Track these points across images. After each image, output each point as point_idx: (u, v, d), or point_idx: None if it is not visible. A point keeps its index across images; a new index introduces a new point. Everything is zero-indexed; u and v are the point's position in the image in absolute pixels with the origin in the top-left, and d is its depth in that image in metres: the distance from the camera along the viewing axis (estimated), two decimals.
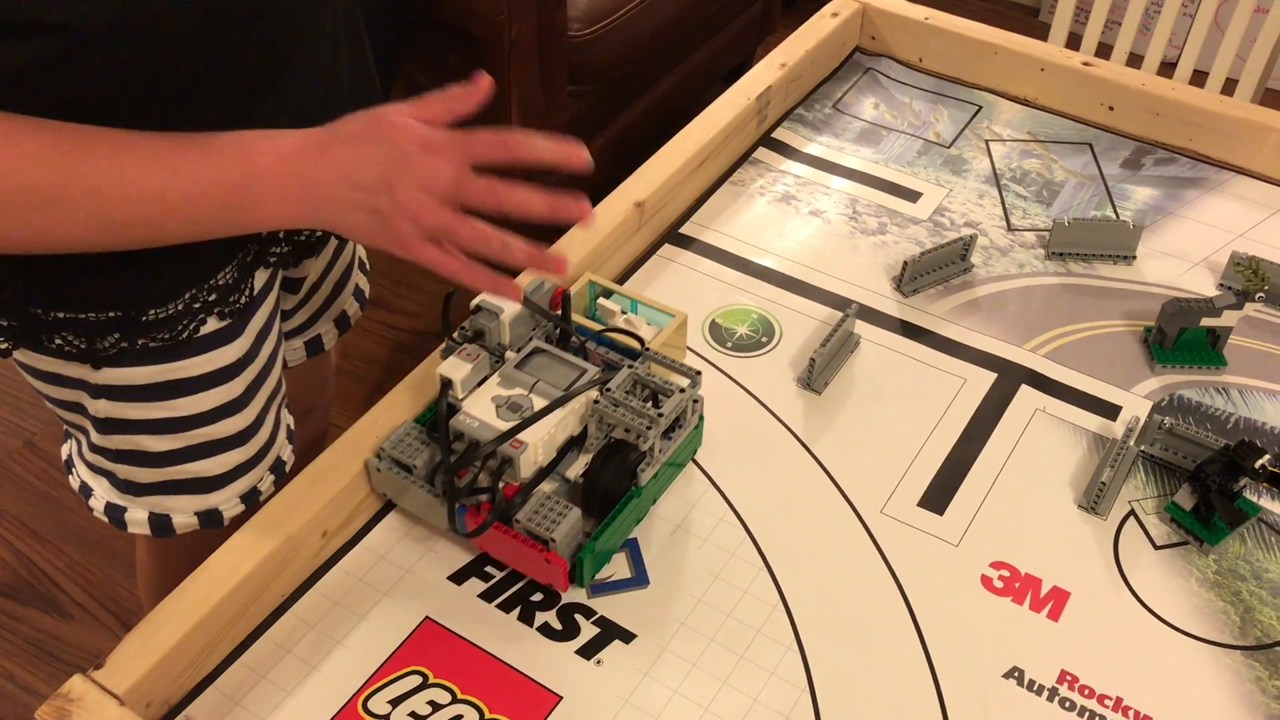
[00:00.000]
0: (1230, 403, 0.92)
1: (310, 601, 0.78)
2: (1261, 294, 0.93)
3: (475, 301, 0.83)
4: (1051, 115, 1.22)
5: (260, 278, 0.86)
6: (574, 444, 0.81)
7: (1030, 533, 0.83)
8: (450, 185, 0.65)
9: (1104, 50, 1.75)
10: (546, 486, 0.79)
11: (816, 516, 0.84)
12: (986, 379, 0.94)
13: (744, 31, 2.27)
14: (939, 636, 0.76)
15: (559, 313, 0.85)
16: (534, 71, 1.66)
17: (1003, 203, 1.11)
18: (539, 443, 0.76)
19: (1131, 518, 0.84)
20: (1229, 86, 1.70)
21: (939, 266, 1.03)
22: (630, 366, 0.81)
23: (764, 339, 0.98)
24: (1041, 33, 1.78)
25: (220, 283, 0.81)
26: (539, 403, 0.77)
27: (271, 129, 0.67)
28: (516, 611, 0.77)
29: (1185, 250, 1.06)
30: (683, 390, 0.80)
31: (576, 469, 0.80)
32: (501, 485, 0.76)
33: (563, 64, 1.72)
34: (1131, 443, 0.87)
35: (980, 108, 1.23)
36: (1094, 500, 0.84)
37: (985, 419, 0.91)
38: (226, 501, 0.92)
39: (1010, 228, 1.08)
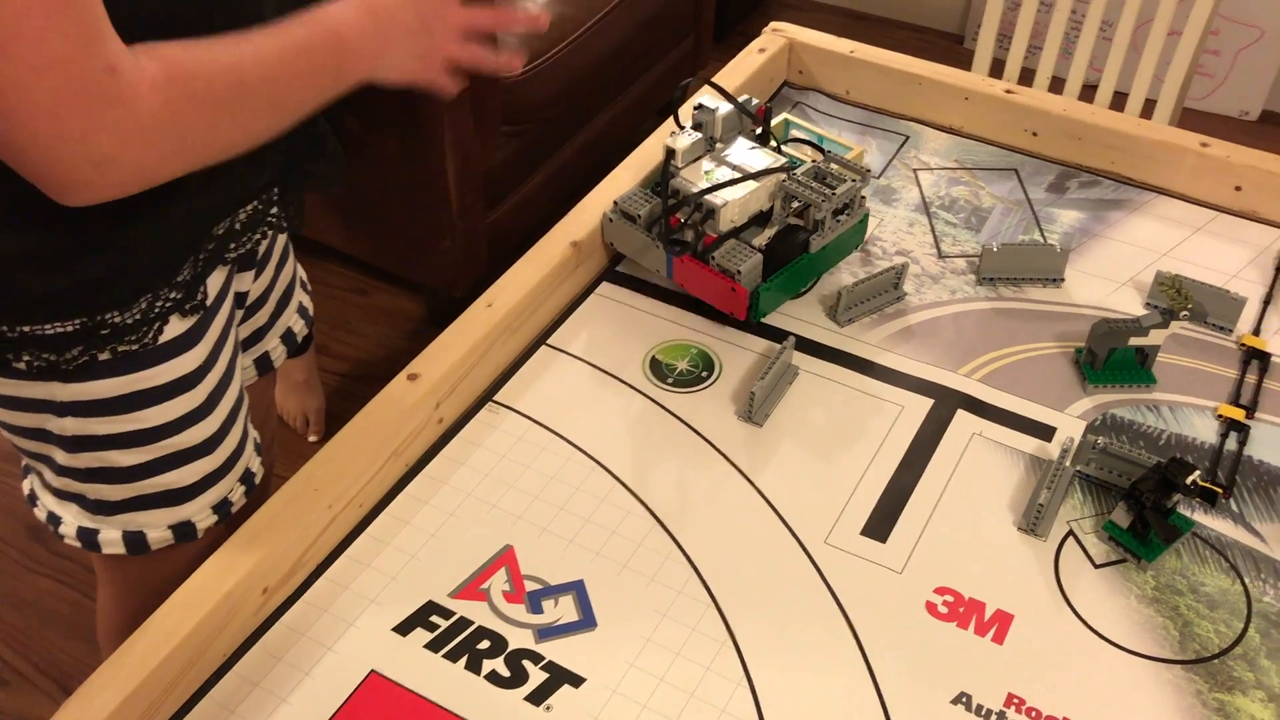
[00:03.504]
0: (1161, 419, 0.94)
1: (253, 659, 0.77)
2: (1186, 312, 0.95)
3: (697, 100, 1.03)
4: (977, 143, 1.25)
5: (215, 282, 0.87)
6: (762, 219, 1.00)
7: (972, 557, 0.84)
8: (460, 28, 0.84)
9: (1027, 75, 1.78)
10: (741, 244, 0.97)
11: (762, 550, 0.84)
12: (923, 405, 0.95)
13: (677, 66, 2.29)
14: (886, 665, 0.77)
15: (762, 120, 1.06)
16: (467, 114, 1.66)
17: (933, 230, 1.12)
18: (735, 202, 0.96)
19: (1071, 538, 0.85)
20: (1148, 107, 1.74)
21: (873, 295, 1.04)
22: (814, 162, 1.02)
23: (704, 374, 0.98)
24: (966, 59, 1.82)
25: (179, 280, 0.83)
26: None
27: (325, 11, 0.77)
28: (464, 660, 0.76)
29: (1112, 271, 1.08)
30: (854, 180, 0.99)
31: (762, 239, 0.99)
32: (699, 237, 0.98)
33: (496, 105, 1.72)
34: (1067, 463, 0.88)
35: (907, 138, 1.25)
36: (1033, 522, 0.85)
37: (924, 445, 0.92)
38: (199, 513, 0.93)
39: (941, 255, 1.10)
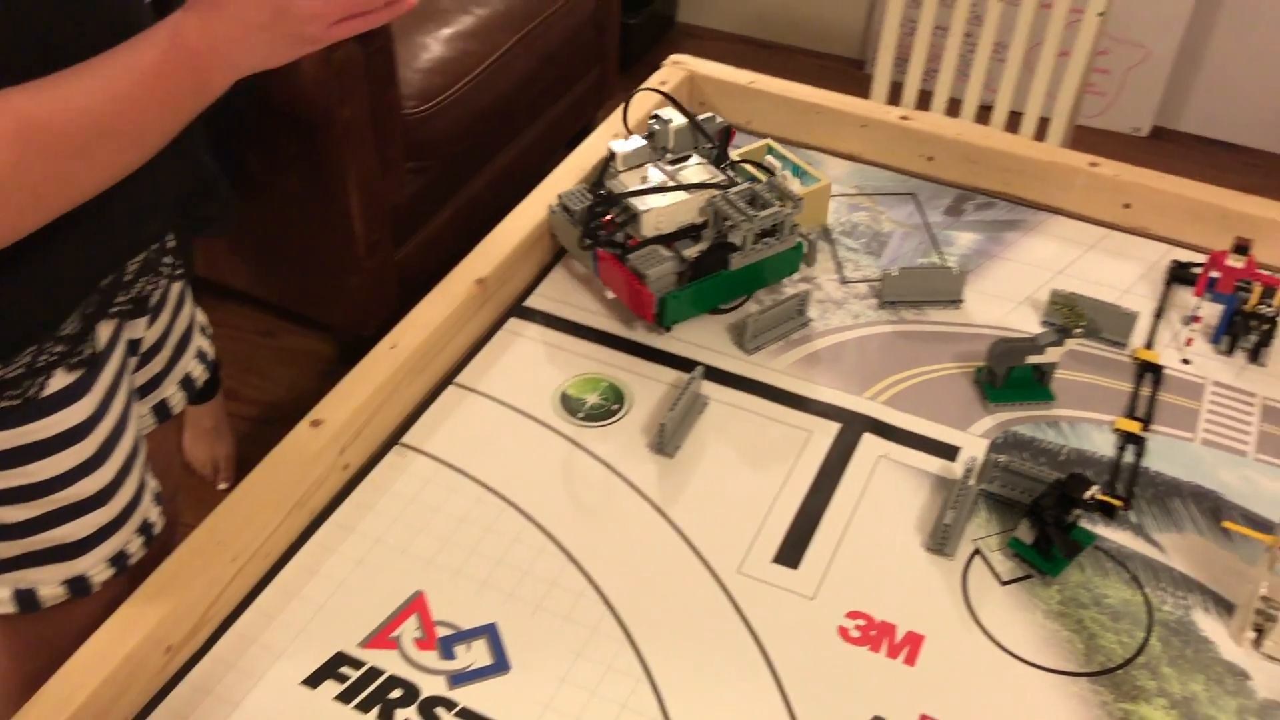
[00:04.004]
0: (1061, 435, 0.96)
1: None
2: (1080, 329, 0.98)
3: (654, 110, 1.08)
4: (876, 168, 1.27)
5: (105, 331, 0.85)
6: (695, 231, 1.03)
7: (882, 579, 0.85)
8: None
9: (925, 98, 1.82)
10: (663, 251, 1.01)
11: (675, 582, 0.84)
12: (831, 430, 0.96)
13: (583, 98, 2.31)
14: (801, 692, 0.77)
15: (719, 141, 1.09)
16: (370, 151, 1.65)
17: (835, 256, 1.14)
18: (660, 210, 1.00)
19: (977, 556, 0.87)
20: (1043, 125, 1.79)
21: (778, 323, 1.05)
22: (752, 184, 1.03)
23: (615, 406, 0.98)
24: (867, 84, 1.85)
25: (65, 333, 0.80)
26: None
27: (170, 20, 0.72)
28: (376, 711, 0.75)
29: (1009, 291, 1.11)
30: (780, 206, 1.01)
31: (692, 252, 1.02)
32: (628, 239, 1.02)
33: (399, 142, 1.71)
34: (972, 482, 0.89)
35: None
36: (940, 542, 0.86)
37: (832, 469, 0.93)
38: (94, 567, 0.90)
39: (843, 280, 1.11)
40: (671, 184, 1.02)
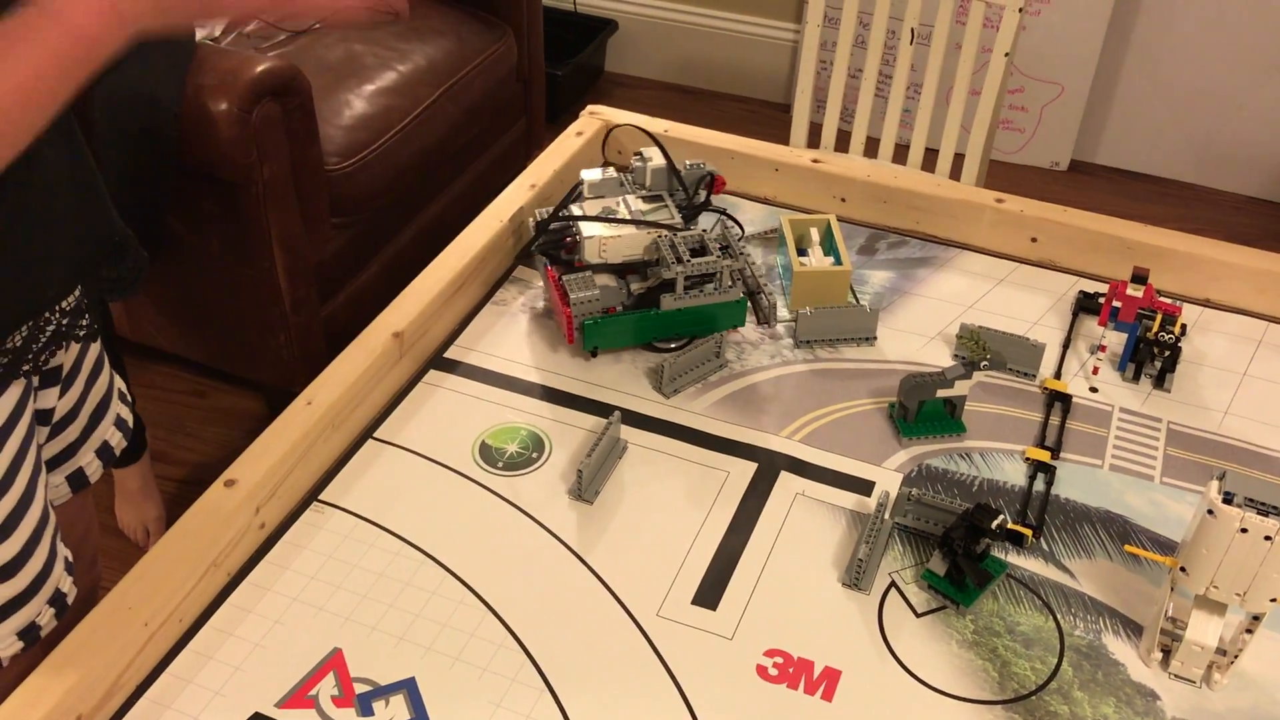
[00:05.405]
0: (973, 466, 0.98)
1: None
2: (986, 361, 1.00)
3: (638, 149, 1.12)
4: (791, 211, 1.29)
5: (8, 402, 0.83)
6: (645, 268, 1.05)
7: (799, 616, 0.85)
8: None
9: (845, 138, 1.86)
10: (604, 279, 1.05)
11: (595, 628, 0.84)
12: (748, 470, 0.97)
13: (511, 150, 2.32)
14: None
15: (707, 193, 1.13)
16: (292, 209, 1.65)
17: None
18: (604, 237, 1.03)
19: (893, 589, 0.88)
20: (959, 162, 1.83)
21: (695, 366, 1.06)
22: (705, 232, 1.06)
23: (534, 454, 0.98)
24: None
25: None
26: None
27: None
28: None
29: (922, 326, 1.13)
30: (718, 258, 1.03)
31: (640, 287, 1.05)
32: (575, 261, 1.06)
33: (323, 198, 1.71)
34: (886, 516, 0.91)
35: (725, 209, 1.28)
36: (855, 576, 0.87)
37: (750, 509, 0.94)
38: (3, 640, 0.88)
39: (759, 321, 1.13)
40: (617, 217, 1.06)
